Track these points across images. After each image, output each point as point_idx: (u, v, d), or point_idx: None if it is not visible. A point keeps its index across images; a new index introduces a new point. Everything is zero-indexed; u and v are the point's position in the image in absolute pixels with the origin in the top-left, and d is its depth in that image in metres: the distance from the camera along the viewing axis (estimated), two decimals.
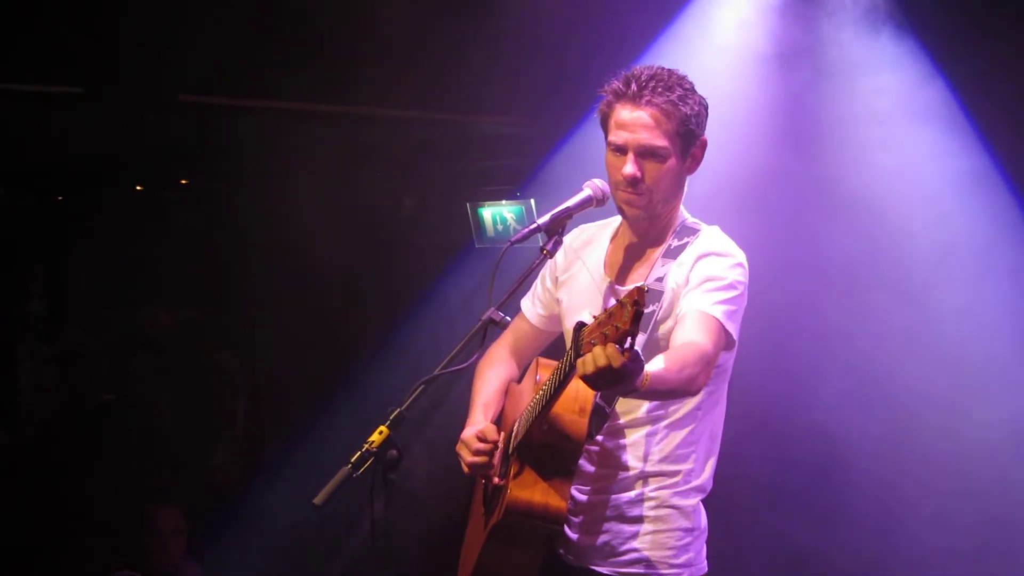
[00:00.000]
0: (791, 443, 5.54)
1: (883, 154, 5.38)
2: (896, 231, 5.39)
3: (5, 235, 8.45)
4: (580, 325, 3.23)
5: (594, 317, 3.15)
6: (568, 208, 3.70)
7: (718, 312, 3.55)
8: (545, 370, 3.75)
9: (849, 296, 5.49)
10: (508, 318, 3.60)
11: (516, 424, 3.77)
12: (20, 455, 7.98)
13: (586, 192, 3.73)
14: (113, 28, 5.93)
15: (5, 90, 6.42)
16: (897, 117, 5.37)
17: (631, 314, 2.98)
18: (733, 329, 3.61)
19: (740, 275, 3.65)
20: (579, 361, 3.11)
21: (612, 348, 3.02)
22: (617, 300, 3.07)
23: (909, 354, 5.34)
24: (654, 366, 3.28)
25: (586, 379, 3.12)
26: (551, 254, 3.69)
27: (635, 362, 3.09)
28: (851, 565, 5.53)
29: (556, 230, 3.68)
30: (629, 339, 3.03)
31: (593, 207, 3.75)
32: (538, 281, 4.04)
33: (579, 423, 3.55)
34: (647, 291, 3.05)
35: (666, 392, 3.44)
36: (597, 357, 3.05)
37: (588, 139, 5.53)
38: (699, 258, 3.66)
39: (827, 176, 5.48)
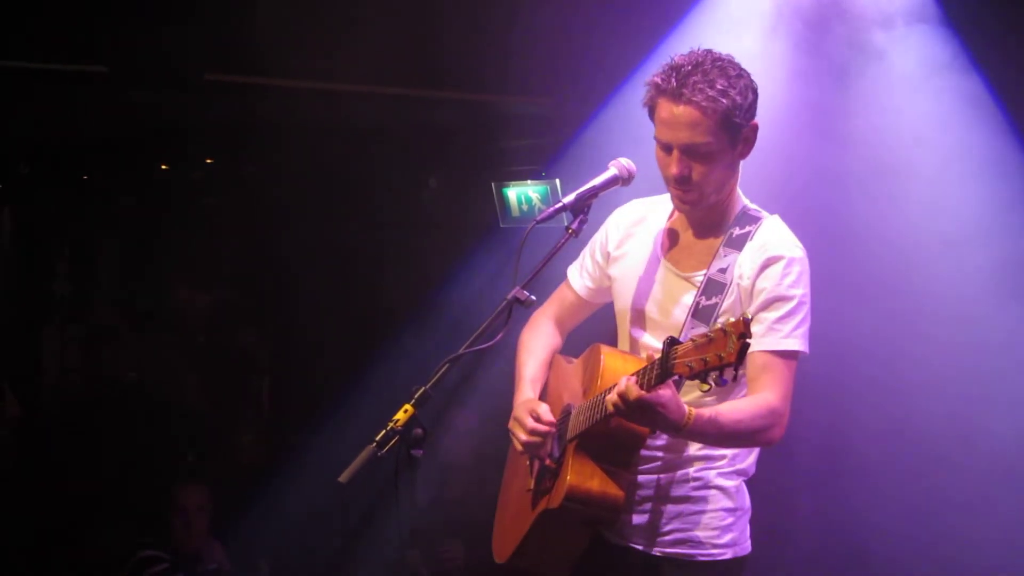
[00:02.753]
0: (839, 428, 5.48)
1: (919, 160, 5.29)
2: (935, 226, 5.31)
3: (30, 215, 8.48)
4: (673, 341, 3.21)
5: (691, 339, 3.13)
6: (594, 187, 3.66)
7: (793, 344, 3.56)
8: (612, 359, 3.68)
9: (893, 288, 5.40)
10: (533, 297, 3.56)
11: (574, 409, 3.72)
12: (45, 435, 8.01)
13: (611, 171, 3.69)
14: (137, 6, 5.93)
15: (30, 69, 6.44)
16: (935, 116, 5.28)
17: (737, 348, 3.00)
18: (806, 346, 3.60)
19: (804, 285, 3.61)
20: (607, 399, 3.34)
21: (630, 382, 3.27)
22: (722, 328, 3.06)
23: (964, 345, 5.25)
24: (710, 409, 3.40)
25: (617, 410, 3.30)
26: (576, 233, 3.64)
27: (671, 400, 3.27)
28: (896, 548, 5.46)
29: (581, 209, 3.63)
30: (730, 371, 3.05)
31: (619, 186, 3.70)
32: (587, 253, 3.99)
33: None
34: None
35: (716, 436, 3.50)
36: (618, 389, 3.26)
37: (613, 118, 5.51)
38: (764, 266, 3.59)
39: (860, 176, 5.39)
